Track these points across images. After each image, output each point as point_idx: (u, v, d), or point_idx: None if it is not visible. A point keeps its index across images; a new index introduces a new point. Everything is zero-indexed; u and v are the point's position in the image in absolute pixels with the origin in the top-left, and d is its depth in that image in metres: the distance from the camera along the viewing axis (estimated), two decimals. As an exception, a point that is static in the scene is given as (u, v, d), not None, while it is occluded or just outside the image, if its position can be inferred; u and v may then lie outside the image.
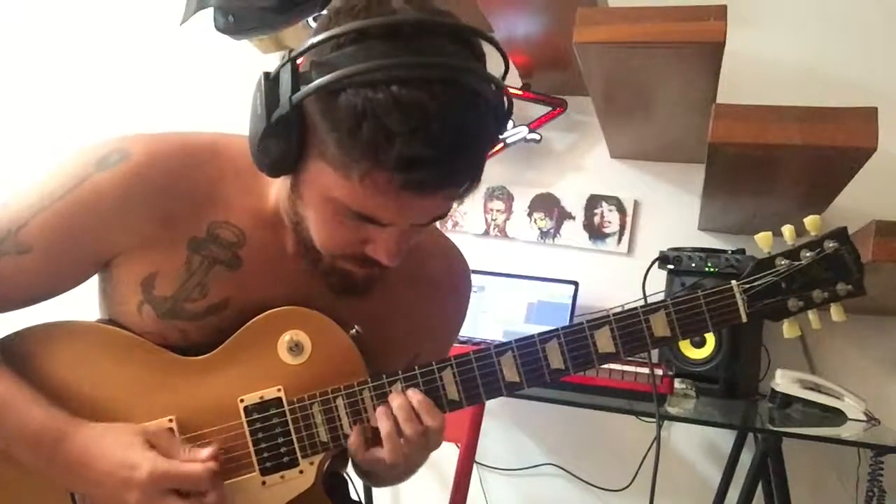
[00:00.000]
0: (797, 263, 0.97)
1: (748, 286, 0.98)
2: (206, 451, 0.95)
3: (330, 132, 0.84)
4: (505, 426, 2.40)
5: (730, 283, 0.98)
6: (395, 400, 0.98)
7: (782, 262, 0.98)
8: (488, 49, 0.91)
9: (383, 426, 0.97)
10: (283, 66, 0.87)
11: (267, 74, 0.88)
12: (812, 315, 0.99)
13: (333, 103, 0.83)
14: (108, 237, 0.98)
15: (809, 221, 0.98)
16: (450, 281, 1.18)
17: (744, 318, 0.98)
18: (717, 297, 0.98)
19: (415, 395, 0.98)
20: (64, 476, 0.97)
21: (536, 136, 2.37)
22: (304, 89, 0.84)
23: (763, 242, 0.99)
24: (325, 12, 0.92)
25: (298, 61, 0.87)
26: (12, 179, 1.00)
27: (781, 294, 0.98)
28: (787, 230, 0.99)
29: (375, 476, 1.13)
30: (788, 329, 1.00)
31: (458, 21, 0.88)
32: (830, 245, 0.97)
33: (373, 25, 0.82)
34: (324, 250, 0.96)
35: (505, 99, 0.93)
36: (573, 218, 2.41)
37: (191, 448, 0.97)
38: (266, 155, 0.89)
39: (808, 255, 0.97)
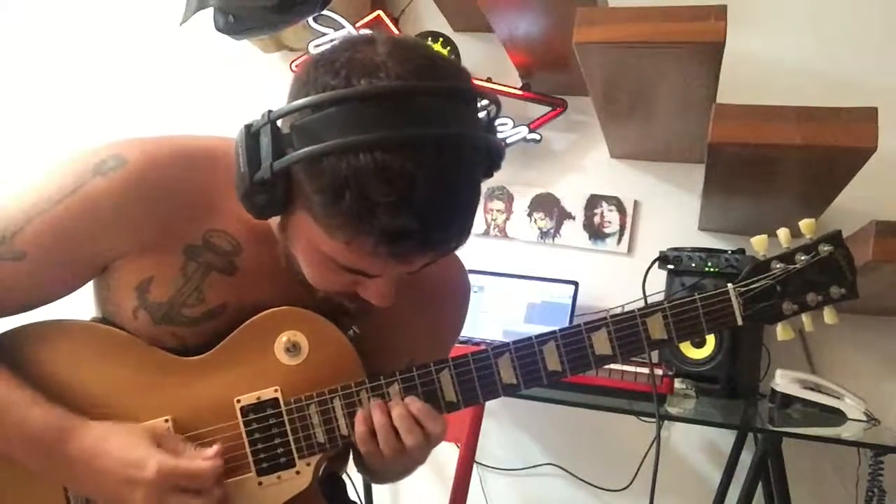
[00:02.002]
0: (792, 267, 0.97)
1: (744, 289, 0.98)
2: (211, 450, 0.96)
3: (314, 193, 0.83)
4: (505, 426, 2.40)
5: (726, 287, 0.98)
6: (395, 409, 0.98)
7: (777, 266, 0.98)
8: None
9: (378, 420, 0.97)
10: (263, 126, 0.86)
11: (248, 128, 0.87)
12: (805, 318, 0.99)
13: (317, 167, 0.82)
14: (104, 244, 0.98)
15: (804, 224, 0.98)
16: (449, 289, 1.18)
17: (739, 322, 0.98)
18: (714, 301, 0.98)
19: (414, 403, 0.98)
20: (65, 475, 0.97)
21: (536, 136, 2.37)
22: (286, 158, 0.83)
23: (758, 245, 0.99)
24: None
25: (279, 122, 0.86)
26: (11, 180, 1.00)
27: (776, 297, 0.98)
28: (783, 233, 0.99)
29: (377, 472, 1.13)
30: (782, 332, 1.00)
31: (442, 79, 0.85)
32: (825, 248, 0.97)
33: (354, 94, 0.81)
34: (316, 287, 0.97)
35: (498, 133, 0.92)
36: (573, 218, 2.41)
37: (195, 446, 0.97)
38: (251, 204, 0.88)
39: (802, 258, 0.97)
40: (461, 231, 0.87)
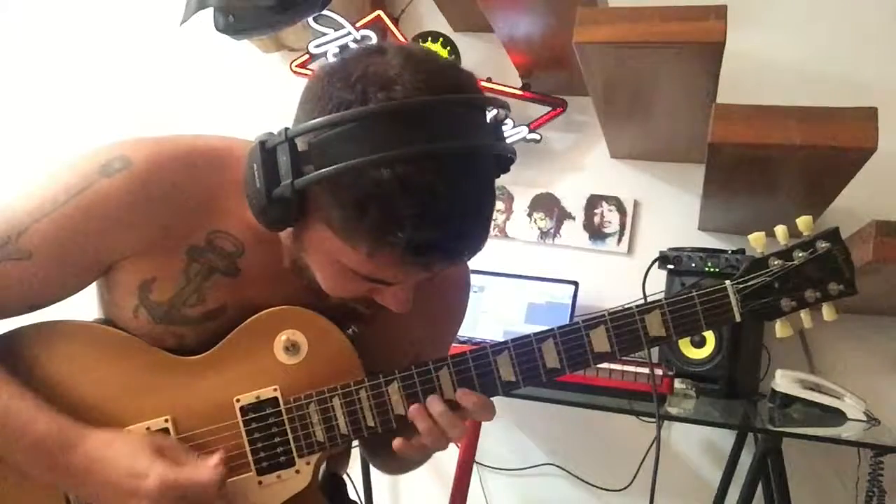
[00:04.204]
0: (790, 263, 0.97)
1: (742, 286, 0.98)
2: (213, 458, 0.96)
3: (334, 207, 0.85)
4: (505, 426, 2.40)
5: (724, 283, 0.98)
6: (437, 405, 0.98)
7: (775, 263, 0.98)
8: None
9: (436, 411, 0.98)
10: (280, 143, 0.86)
11: (262, 144, 0.87)
12: (804, 314, 0.99)
13: (338, 183, 0.83)
14: (109, 245, 0.98)
15: (802, 222, 0.98)
16: (449, 280, 1.18)
17: (737, 318, 0.98)
18: (712, 297, 0.98)
19: (468, 397, 0.98)
20: (68, 483, 0.97)
21: (536, 136, 2.37)
22: (309, 177, 0.84)
23: (756, 242, 0.99)
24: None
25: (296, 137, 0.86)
26: (13, 180, 1.00)
27: (774, 294, 0.98)
28: (780, 230, 0.99)
29: (402, 462, 1.12)
30: (781, 329, 1.00)
31: (455, 89, 0.86)
32: (822, 245, 0.97)
33: (373, 111, 0.81)
34: (331, 295, 0.97)
35: (508, 135, 0.94)
36: (573, 218, 2.41)
37: (198, 456, 0.97)
38: (266, 218, 0.89)
39: (800, 255, 0.97)
40: (482, 237, 0.89)
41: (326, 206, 0.85)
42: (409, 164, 0.80)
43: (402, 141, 0.81)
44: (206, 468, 0.95)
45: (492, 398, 1.02)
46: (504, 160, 0.93)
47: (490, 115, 0.91)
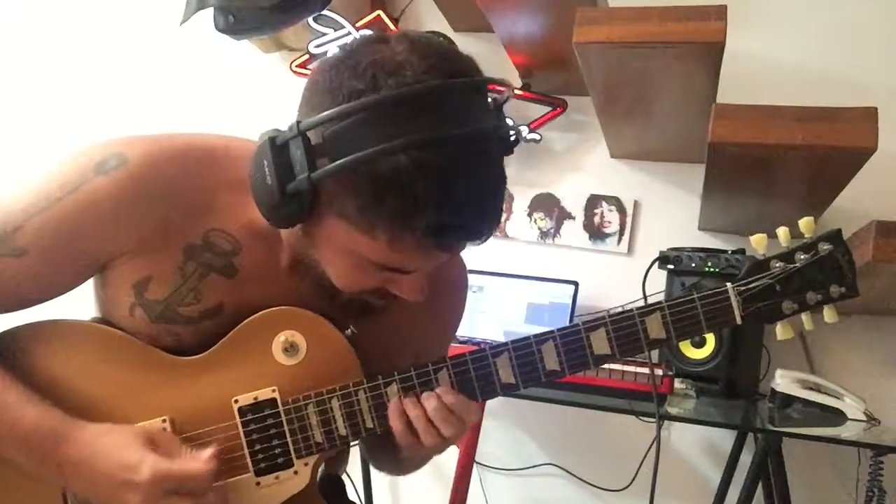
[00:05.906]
0: (792, 266, 0.97)
1: (743, 288, 0.98)
2: (206, 452, 0.96)
3: (350, 197, 0.84)
4: (505, 426, 2.40)
5: (725, 286, 0.98)
6: (429, 403, 0.98)
7: (777, 265, 0.98)
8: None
9: (413, 414, 0.98)
10: (292, 138, 0.85)
11: (272, 140, 0.87)
12: (805, 317, 0.99)
13: (355, 172, 0.82)
14: (104, 242, 0.98)
15: (804, 223, 0.98)
16: (447, 279, 1.17)
17: (738, 321, 0.97)
18: (713, 300, 0.98)
19: (447, 395, 0.98)
20: (59, 477, 0.97)
21: (536, 136, 2.36)
22: (324, 170, 0.83)
23: (757, 244, 0.99)
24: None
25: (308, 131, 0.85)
26: (12, 178, 1.00)
27: (776, 296, 0.98)
28: (782, 232, 0.99)
29: (405, 462, 1.12)
30: (782, 331, 1.00)
31: (461, 72, 0.86)
32: (824, 247, 0.97)
33: (385, 99, 0.81)
34: (344, 290, 0.97)
35: (511, 116, 0.94)
36: (573, 218, 2.40)
37: (191, 448, 0.97)
38: (277, 215, 0.89)
39: (802, 257, 0.97)
40: (498, 216, 0.90)
41: (342, 197, 0.85)
42: (425, 148, 0.80)
43: (417, 126, 0.81)
44: (199, 460, 0.94)
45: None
46: (510, 141, 0.93)
47: (492, 99, 0.91)
